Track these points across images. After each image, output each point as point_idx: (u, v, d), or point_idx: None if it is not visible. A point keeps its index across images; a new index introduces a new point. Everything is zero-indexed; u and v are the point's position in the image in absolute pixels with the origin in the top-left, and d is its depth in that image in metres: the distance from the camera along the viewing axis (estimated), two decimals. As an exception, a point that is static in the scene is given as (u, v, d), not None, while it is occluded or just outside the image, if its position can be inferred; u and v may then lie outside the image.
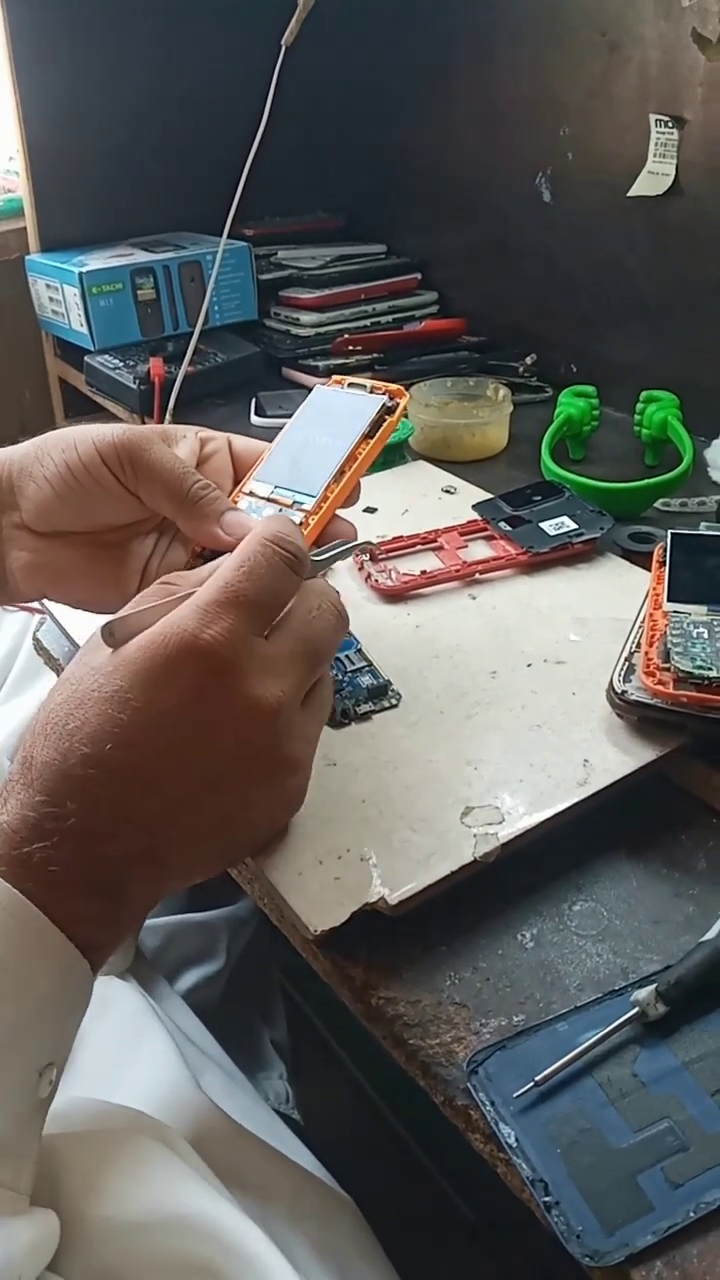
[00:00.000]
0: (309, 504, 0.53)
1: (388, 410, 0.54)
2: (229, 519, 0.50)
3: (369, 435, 0.54)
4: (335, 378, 0.59)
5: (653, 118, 0.88)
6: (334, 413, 0.56)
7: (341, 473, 0.53)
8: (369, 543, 0.60)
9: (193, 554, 0.54)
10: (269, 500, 0.54)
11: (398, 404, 0.55)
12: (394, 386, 0.55)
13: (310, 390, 1.04)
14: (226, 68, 1.16)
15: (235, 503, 0.55)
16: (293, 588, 0.44)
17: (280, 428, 0.99)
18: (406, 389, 0.98)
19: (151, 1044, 0.54)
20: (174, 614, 0.41)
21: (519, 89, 1.03)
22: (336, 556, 0.50)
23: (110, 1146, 0.42)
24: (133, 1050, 0.53)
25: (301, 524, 0.52)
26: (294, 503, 0.53)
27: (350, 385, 0.57)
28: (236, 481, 0.57)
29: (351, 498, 0.54)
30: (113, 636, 0.41)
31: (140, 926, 0.46)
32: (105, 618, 0.42)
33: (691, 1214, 0.35)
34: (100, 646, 0.41)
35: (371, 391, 0.56)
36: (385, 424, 0.54)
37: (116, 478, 0.49)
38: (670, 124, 0.87)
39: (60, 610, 0.64)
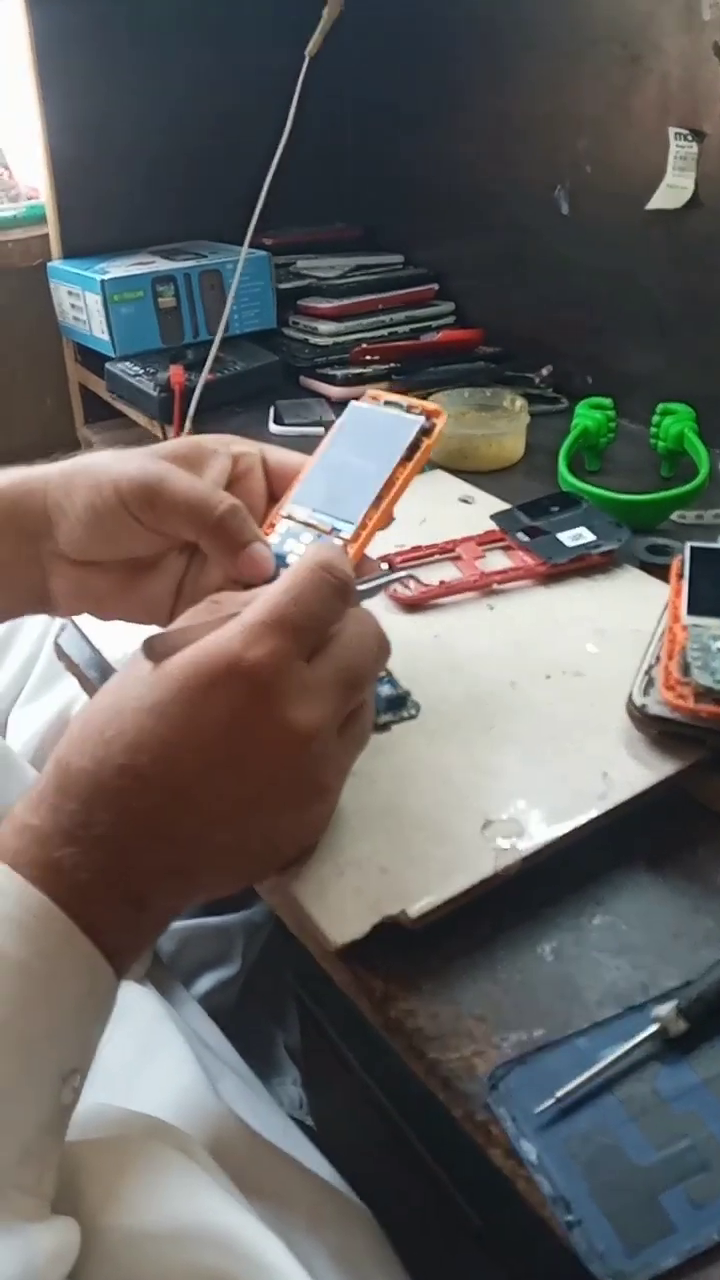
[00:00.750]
0: (347, 531, 0.53)
1: (424, 432, 0.54)
2: (246, 555, 0.50)
3: (406, 459, 0.54)
4: (371, 392, 0.58)
5: (672, 131, 0.88)
6: (370, 432, 0.56)
7: (380, 499, 0.53)
8: (411, 575, 0.60)
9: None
10: (307, 525, 0.54)
11: (435, 425, 0.54)
12: (430, 405, 0.55)
13: (329, 398, 1.06)
14: (248, 78, 1.17)
15: (274, 524, 0.55)
16: (338, 614, 0.44)
17: (299, 436, 1.00)
18: (424, 399, 0.99)
19: (169, 1050, 0.54)
20: (219, 632, 0.41)
21: (538, 101, 1.03)
22: (377, 589, 0.50)
23: (129, 1155, 0.42)
24: (151, 1056, 0.53)
25: None
26: (332, 529, 0.53)
27: (386, 403, 0.57)
28: (270, 496, 0.57)
29: (387, 523, 0.54)
30: (153, 652, 0.41)
31: (161, 934, 0.46)
32: (145, 628, 0.42)
33: (715, 1236, 0.35)
34: (145, 658, 0.42)
35: (408, 410, 0.56)
36: (423, 446, 0.54)
37: (138, 518, 0.50)
38: (690, 137, 0.87)
39: (82, 616, 0.65)
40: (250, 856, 0.43)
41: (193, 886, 0.42)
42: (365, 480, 0.54)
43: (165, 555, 0.53)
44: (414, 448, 0.54)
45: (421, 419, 0.55)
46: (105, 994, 0.39)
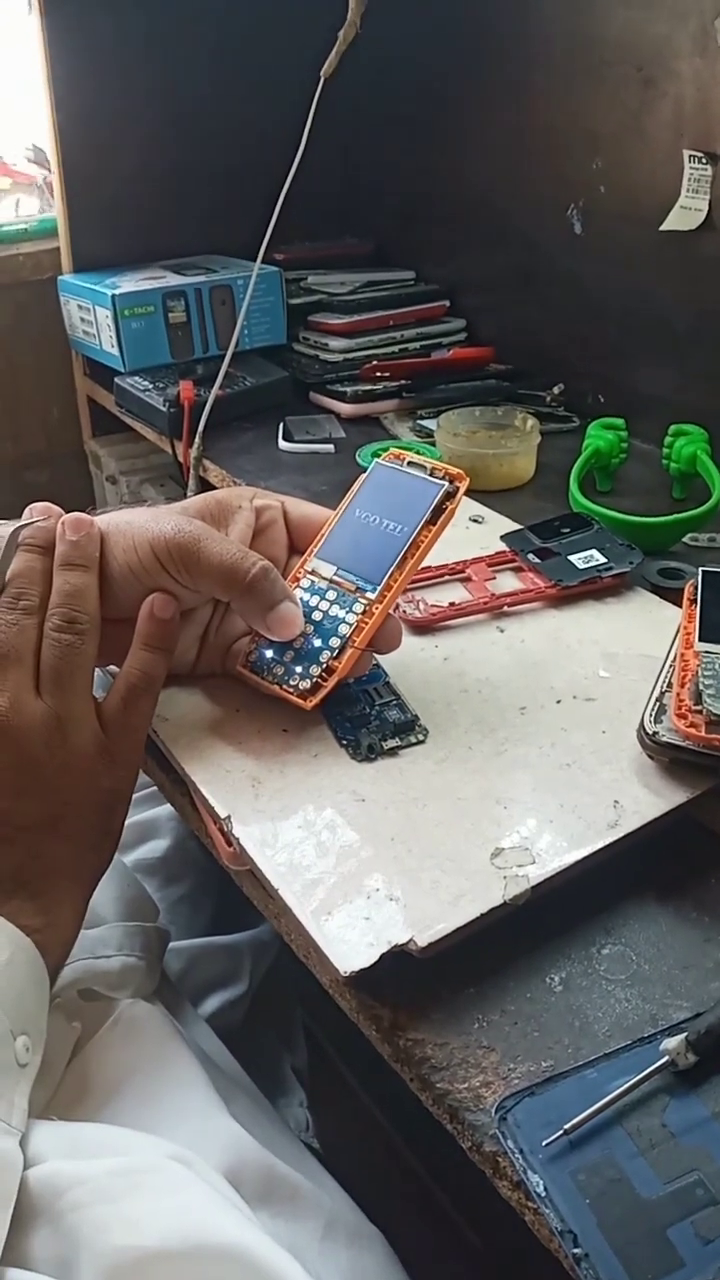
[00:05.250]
0: (372, 592, 0.55)
1: (448, 496, 0.56)
2: (275, 615, 0.52)
3: (430, 522, 0.55)
4: (394, 451, 0.59)
5: (687, 153, 0.88)
6: (394, 493, 0.57)
7: (404, 560, 0.55)
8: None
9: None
10: (332, 582, 0.56)
11: (458, 489, 0.56)
12: (454, 470, 0.56)
13: (338, 415, 1.06)
14: (262, 94, 1.18)
15: (299, 578, 0.56)
16: None
17: (308, 453, 1.00)
18: (434, 416, 0.99)
19: (180, 1069, 0.54)
20: None
21: (553, 121, 1.04)
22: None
23: (140, 1175, 0.42)
24: (161, 1075, 0.53)
25: (365, 613, 0.54)
26: (357, 588, 0.55)
27: (410, 464, 0.58)
28: (290, 548, 0.59)
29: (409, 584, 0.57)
30: None
31: (78, 919, 0.48)
32: None
33: (723, 1272, 0.35)
34: None
35: (432, 473, 0.57)
36: (446, 510, 0.56)
37: (174, 578, 0.52)
38: (704, 160, 0.87)
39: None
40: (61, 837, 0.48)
41: (44, 879, 0.47)
42: (389, 541, 0.55)
43: (194, 608, 0.56)
44: (438, 511, 0.55)
45: (445, 483, 0.56)
46: (30, 960, 0.45)
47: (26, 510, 0.54)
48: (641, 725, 0.53)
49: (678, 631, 0.59)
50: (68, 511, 0.53)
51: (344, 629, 0.54)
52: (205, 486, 0.99)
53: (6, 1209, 0.39)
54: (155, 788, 0.66)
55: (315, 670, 0.54)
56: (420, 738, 0.56)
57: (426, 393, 1.08)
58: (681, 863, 0.51)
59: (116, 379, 1.12)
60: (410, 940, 0.44)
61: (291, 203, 0.93)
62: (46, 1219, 0.40)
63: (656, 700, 0.54)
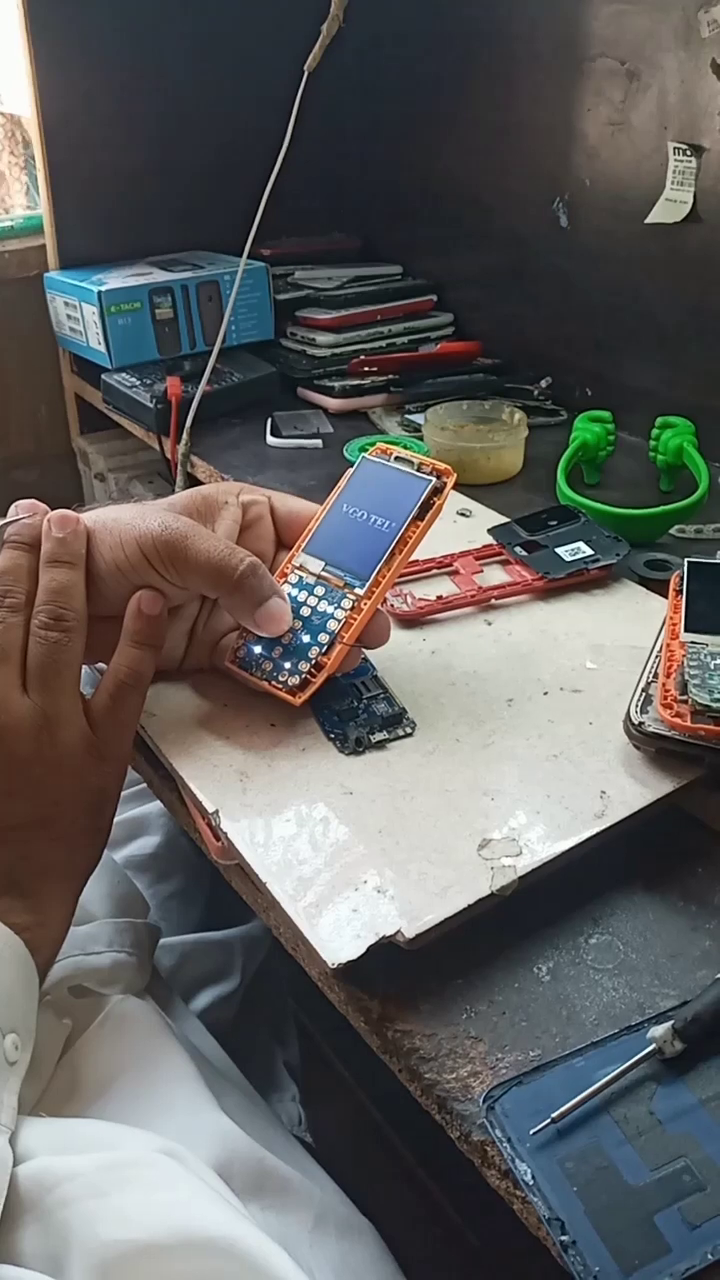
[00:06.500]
0: (360, 588, 0.55)
1: (435, 491, 0.56)
2: (264, 611, 0.53)
3: (418, 518, 0.55)
4: (381, 446, 0.59)
5: (671, 146, 0.89)
6: (381, 488, 0.57)
7: (393, 556, 0.55)
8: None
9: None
10: (320, 578, 0.56)
11: (445, 484, 0.56)
12: (441, 465, 0.56)
13: (326, 410, 1.06)
14: (247, 89, 1.18)
15: (286, 573, 0.56)
16: None
17: (296, 448, 1.00)
18: (421, 410, 0.99)
19: (170, 1065, 0.54)
20: None
21: (538, 114, 1.04)
22: None
23: (129, 1169, 0.42)
24: (152, 1071, 0.53)
25: (353, 609, 0.54)
26: (345, 584, 0.55)
27: (397, 459, 0.58)
28: (278, 543, 0.59)
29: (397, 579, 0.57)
30: None
31: (67, 916, 0.48)
32: None
33: (709, 1256, 0.35)
34: None
35: (419, 469, 0.57)
36: (434, 506, 0.55)
37: (162, 575, 0.52)
38: (689, 152, 0.87)
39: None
40: (48, 834, 0.48)
41: (35, 873, 0.48)
42: (377, 537, 0.55)
43: (181, 604, 0.56)
44: (425, 507, 0.55)
45: (433, 479, 0.56)
46: (17, 958, 0.45)
47: (12, 507, 0.53)
48: (628, 716, 0.53)
49: (664, 622, 0.60)
50: (54, 509, 0.53)
51: (333, 624, 0.54)
52: (193, 482, 0.99)
53: None
54: (144, 784, 0.66)
55: (304, 666, 0.54)
56: (408, 731, 0.56)
57: (414, 387, 1.07)
58: (668, 852, 0.51)
59: (103, 376, 1.12)
60: (398, 932, 0.44)
61: (278, 198, 0.93)
62: (36, 1215, 0.40)
63: (643, 691, 0.54)
